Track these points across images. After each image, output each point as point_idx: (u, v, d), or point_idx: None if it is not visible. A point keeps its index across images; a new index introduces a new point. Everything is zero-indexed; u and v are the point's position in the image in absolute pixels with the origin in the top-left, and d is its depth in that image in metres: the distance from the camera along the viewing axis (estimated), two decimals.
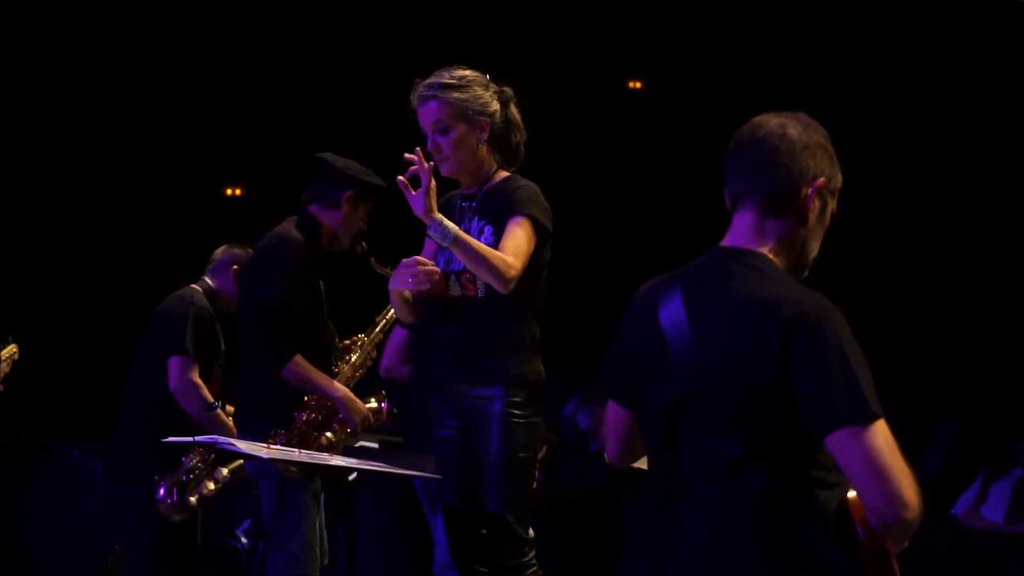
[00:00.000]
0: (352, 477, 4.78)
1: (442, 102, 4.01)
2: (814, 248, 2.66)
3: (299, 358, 4.74)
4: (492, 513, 4.09)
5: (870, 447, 2.38)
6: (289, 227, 4.92)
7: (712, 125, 10.50)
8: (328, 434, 4.84)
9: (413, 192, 3.88)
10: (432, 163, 3.94)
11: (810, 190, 2.59)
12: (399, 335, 5.36)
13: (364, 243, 5.16)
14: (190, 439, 4.27)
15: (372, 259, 5.21)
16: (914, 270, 9.82)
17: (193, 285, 5.68)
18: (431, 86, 4.04)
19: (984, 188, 9.57)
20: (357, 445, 4.92)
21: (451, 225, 3.89)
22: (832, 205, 2.66)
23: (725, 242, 2.66)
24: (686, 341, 2.54)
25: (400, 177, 3.88)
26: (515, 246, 3.92)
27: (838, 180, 2.66)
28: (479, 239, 4.04)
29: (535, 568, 4.17)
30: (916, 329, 9.64)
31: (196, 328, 5.47)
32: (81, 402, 9.00)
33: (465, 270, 4.02)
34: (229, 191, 11.80)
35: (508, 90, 4.17)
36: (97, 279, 10.32)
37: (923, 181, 9.71)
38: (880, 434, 2.39)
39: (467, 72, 4.07)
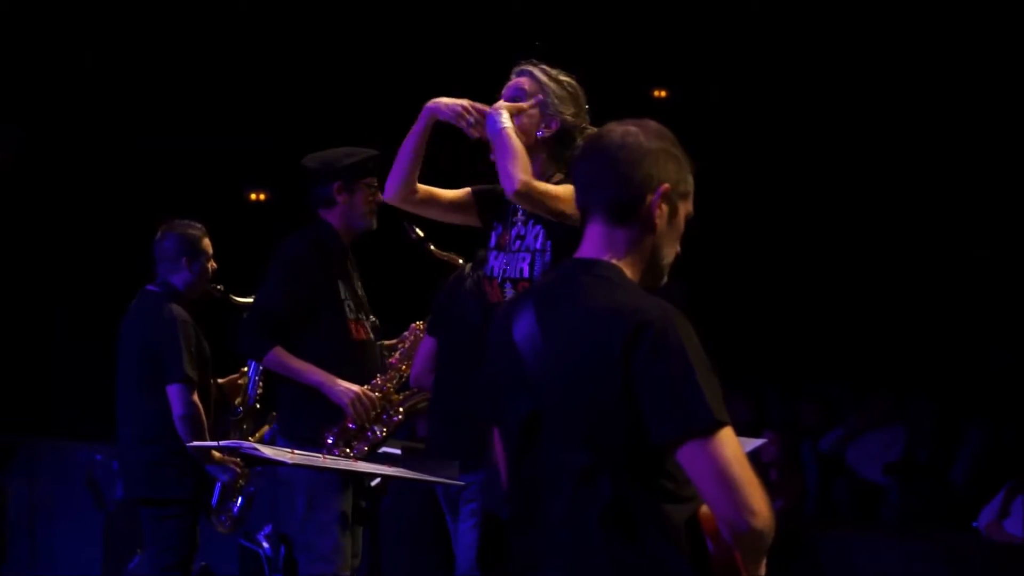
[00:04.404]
0: (375, 483, 4.78)
1: (532, 79, 3.97)
2: (668, 254, 2.64)
3: (278, 349, 4.85)
4: None
5: (717, 457, 2.36)
6: (297, 234, 5.04)
7: (738, 134, 10.47)
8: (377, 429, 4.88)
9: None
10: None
11: (654, 196, 2.58)
12: (428, 344, 5.35)
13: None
14: (214, 443, 4.26)
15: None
16: (942, 281, 9.77)
17: (151, 289, 5.64)
18: (533, 64, 4.02)
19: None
20: (380, 451, 4.92)
21: (506, 119, 3.86)
22: (685, 209, 2.65)
23: (577, 254, 2.65)
24: (538, 354, 2.53)
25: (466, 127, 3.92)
26: (549, 186, 3.86)
27: (687, 183, 2.64)
28: (531, 241, 3.99)
29: None
30: (945, 338, 9.59)
31: (188, 347, 5.46)
32: (103, 405, 9.02)
33: (521, 278, 3.96)
34: (253, 196, 11.83)
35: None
36: (124, 284, 10.34)
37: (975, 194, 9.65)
38: (727, 443, 2.37)
39: (573, 81, 4.03)
